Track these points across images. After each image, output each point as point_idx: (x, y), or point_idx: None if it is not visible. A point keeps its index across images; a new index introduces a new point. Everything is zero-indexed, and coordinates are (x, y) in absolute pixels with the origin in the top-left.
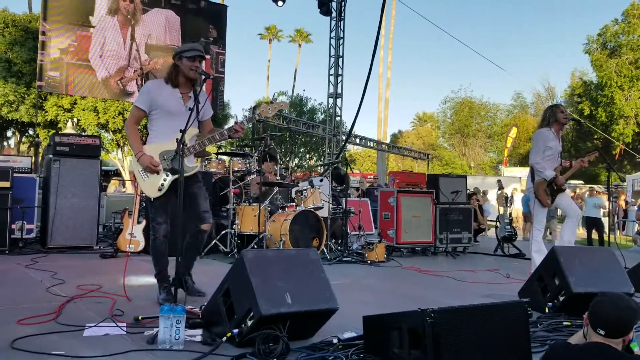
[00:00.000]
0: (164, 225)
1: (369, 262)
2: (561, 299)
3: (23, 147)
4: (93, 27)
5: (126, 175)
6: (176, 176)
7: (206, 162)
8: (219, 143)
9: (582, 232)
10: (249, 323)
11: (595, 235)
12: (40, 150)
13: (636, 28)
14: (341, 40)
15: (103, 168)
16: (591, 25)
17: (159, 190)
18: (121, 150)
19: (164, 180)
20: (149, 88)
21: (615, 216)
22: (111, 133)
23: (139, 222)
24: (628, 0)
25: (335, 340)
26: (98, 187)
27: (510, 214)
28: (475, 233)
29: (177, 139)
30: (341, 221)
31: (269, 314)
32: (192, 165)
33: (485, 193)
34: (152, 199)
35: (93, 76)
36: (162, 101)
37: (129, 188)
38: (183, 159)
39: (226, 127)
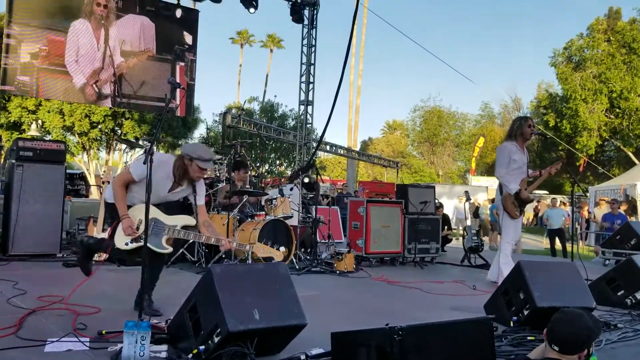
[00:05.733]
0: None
1: (337, 272)
2: (526, 313)
3: None
4: (65, 31)
5: (91, 180)
6: (141, 244)
7: None
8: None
9: (545, 242)
10: (216, 340)
11: (558, 246)
12: (3, 153)
13: (600, 43)
14: (313, 48)
15: (68, 171)
16: (557, 38)
17: (125, 244)
18: (87, 154)
19: (136, 240)
20: (146, 166)
21: (579, 227)
22: (77, 136)
23: (104, 230)
24: (593, 15)
25: (303, 357)
26: (62, 194)
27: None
28: (443, 243)
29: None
30: (310, 230)
31: (236, 330)
32: (165, 247)
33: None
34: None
35: (69, 81)
36: (154, 181)
37: (95, 193)
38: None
39: (215, 234)
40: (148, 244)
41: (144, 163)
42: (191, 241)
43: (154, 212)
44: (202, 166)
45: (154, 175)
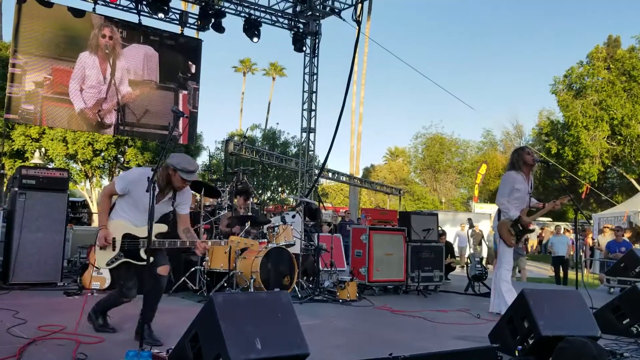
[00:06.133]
0: (134, 290)
1: (340, 301)
2: (530, 342)
3: None
4: (70, 61)
5: (94, 207)
6: (128, 260)
7: None
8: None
9: (551, 270)
10: None
11: (562, 273)
12: (5, 181)
13: (600, 70)
14: (315, 76)
15: (70, 199)
16: (557, 66)
17: (107, 265)
18: (89, 182)
19: (116, 259)
20: (129, 179)
21: (583, 254)
22: (80, 164)
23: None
24: (592, 44)
25: None
26: (64, 222)
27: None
28: (447, 271)
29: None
30: (313, 258)
31: None
32: (145, 258)
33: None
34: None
35: (72, 110)
36: (136, 194)
37: (97, 221)
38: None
39: (191, 239)
40: (127, 259)
41: (147, 191)
42: (193, 269)
43: (126, 228)
44: (185, 178)
45: (140, 190)
